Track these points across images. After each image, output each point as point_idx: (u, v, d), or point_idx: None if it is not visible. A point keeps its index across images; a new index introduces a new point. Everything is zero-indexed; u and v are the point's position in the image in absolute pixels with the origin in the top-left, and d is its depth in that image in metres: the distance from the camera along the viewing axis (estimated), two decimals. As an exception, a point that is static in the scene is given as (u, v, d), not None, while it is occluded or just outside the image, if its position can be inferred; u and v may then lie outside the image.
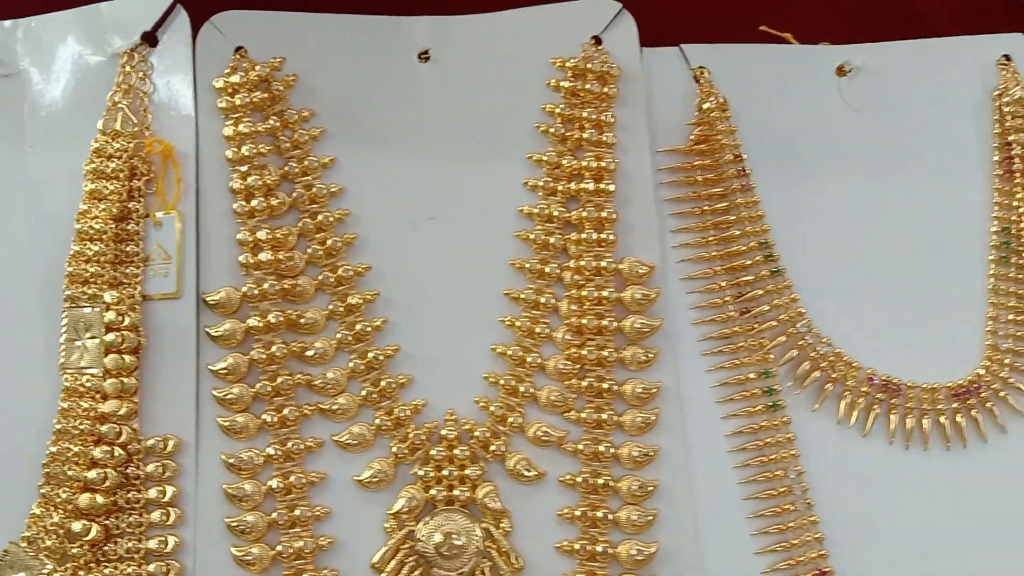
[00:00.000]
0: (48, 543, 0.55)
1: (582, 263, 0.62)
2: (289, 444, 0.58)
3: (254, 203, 0.61)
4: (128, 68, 0.63)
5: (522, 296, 0.62)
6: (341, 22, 0.65)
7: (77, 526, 0.56)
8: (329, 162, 0.63)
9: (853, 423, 0.62)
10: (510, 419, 0.60)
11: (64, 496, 0.56)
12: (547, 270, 0.62)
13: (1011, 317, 0.65)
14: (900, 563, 0.60)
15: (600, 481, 0.59)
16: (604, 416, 0.60)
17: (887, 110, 0.68)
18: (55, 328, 0.59)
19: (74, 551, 0.55)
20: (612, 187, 0.63)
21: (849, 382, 0.62)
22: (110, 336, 0.58)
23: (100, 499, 0.56)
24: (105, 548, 0.56)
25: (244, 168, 0.62)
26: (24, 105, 0.63)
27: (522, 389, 0.60)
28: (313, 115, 0.64)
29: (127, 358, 0.58)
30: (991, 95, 0.68)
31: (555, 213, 0.63)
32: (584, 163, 0.63)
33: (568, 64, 0.64)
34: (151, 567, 0.56)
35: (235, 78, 0.62)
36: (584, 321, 0.61)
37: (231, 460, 0.58)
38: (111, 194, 0.61)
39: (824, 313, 0.64)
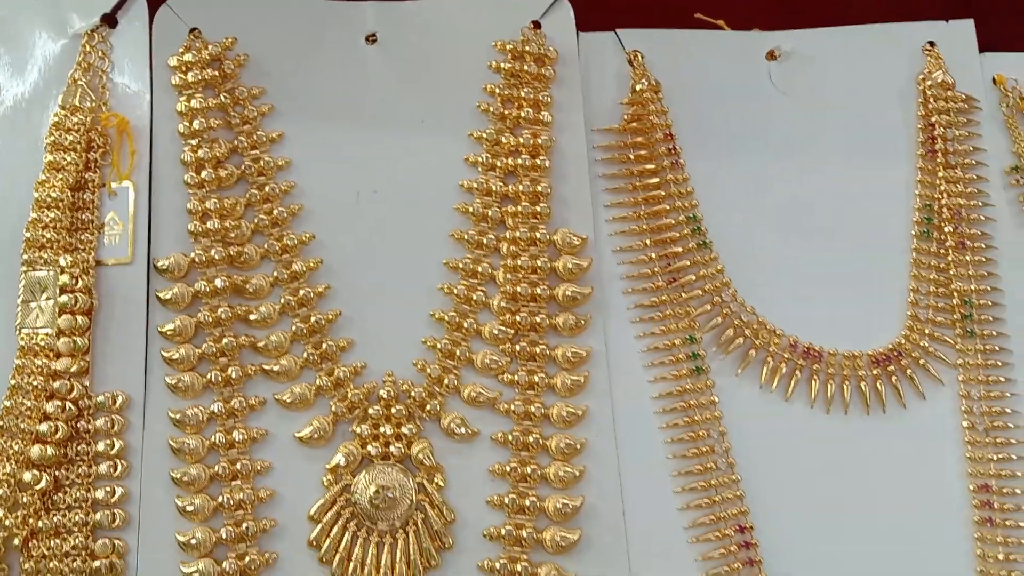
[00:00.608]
0: (-1, 492, 0.58)
1: (517, 234, 0.65)
2: (233, 402, 0.61)
3: (204, 174, 0.64)
4: (88, 48, 0.67)
5: (460, 265, 0.65)
6: (293, 5, 0.68)
7: (28, 476, 0.58)
8: (277, 137, 0.66)
9: (775, 388, 0.64)
10: (446, 380, 0.63)
11: (16, 448, 0.59)
12: (485, 241, 0.65)
13: (931, 289, 0.67)
14: (818, 522, 0.62)
15: (530, 439, 0.62)
16: (536, 378, 0.63)
17: (815, 93, 0.71)
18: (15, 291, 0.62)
19: (24, 499, 0.58)
20: (547, 163, 0.66)
21: (772, 349, 0.65)
22: (64, 298, 0.61)
23: (51, 450, 0.59)
24: (55, 497, 0.59)
25: (195, 141, 0.65)
26: (-11, 83, 0.67)
27: (458, 352, 0.63)
28: (263, 93, 0.67)
29: (80, 319, 0.61)
30: (916, 79, 0.71)
31: (493, 187, 0.66)
32: (521, 140, 0.66)
33: (508, 47, 0.67)
34: (98, 516, 0.59)
35: (188, 56, 0.65)
36: (519, 289, 0.64)
37: (177, 416, 0.61)
38: (68, 165, 0.64)
39: (750, 285, 0.66)
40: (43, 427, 0.59)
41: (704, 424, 0.63)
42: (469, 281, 0.64)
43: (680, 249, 0.66)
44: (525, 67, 0.67)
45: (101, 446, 0.60)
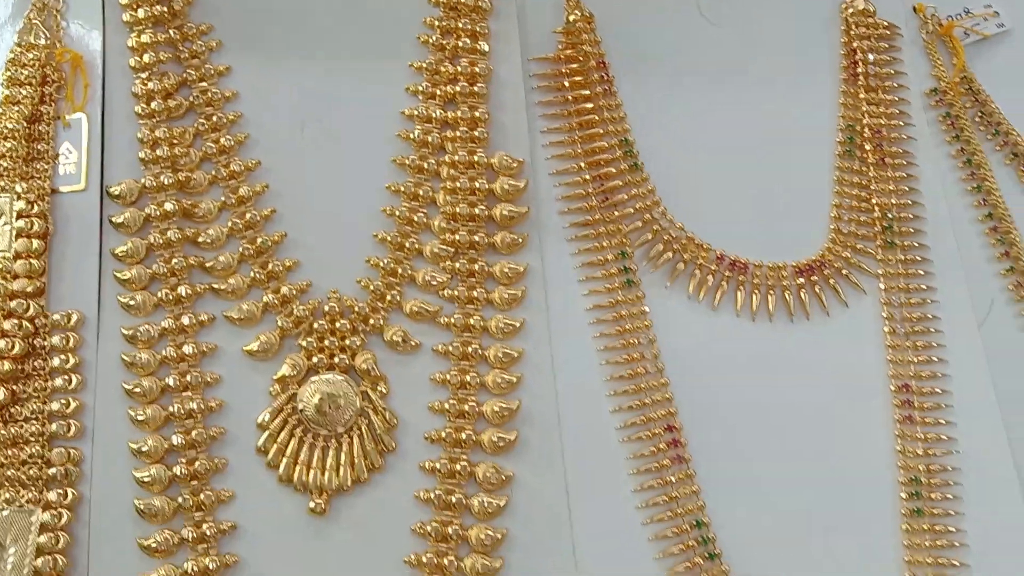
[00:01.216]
0: (-43, 406, 0.61)
1: (456, 157, 0.68)
2: (183, 319, 0.64)
3: (154, 105, 0.67)
4: (42, -12, 0.70)
5: (402, 188, 0.68)
6: (238, -58, 0.71)
7: (-15, 389, 0.61)
8: (224, 70, 0.69)
9: (702, 298, 0.67)
10: (388, 296, 0.65)
11: (-26, 364, 0.62)
12: (426, 166, 0.68)
13: (854, 204, 0.70)
14: (745, 421, 0.65)
15: (470, 349, 0.64)
16: (475, 293, 0.66)
17: (743, 22, 0.74)
18: (-27, 219, 0.65)
19: (-19, 412, 0.61)
20: (485, 90, 0.69)
21: (700, 262, 0.68)
22: (20, 223, 0.64)
23: (7, 365, 0.62)
24: (11, 410, 0.62)
25: (145, 75, 0.68)
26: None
27: (400, 271, 0.66)
28: (211, 29, 0.70)
29: (35, 242, 0.64)
30: (839, 7, 0.74)
31: (433, 114, 0.69)
32: (460, 68, 0.69)
33: (447, -20, 0.71)
34: (53, 426, 0.61)
35: (138, -7, 0.69)
36: (458, 209, 0.67)
37: (129, 332, 0.63)
38: (24, 98, 0.67)
39: (680, 203, 0.69)
40: (0, 344, 0.62)
41: (635, 333, 0.66)
42: (411, 204, 0.67)
43: (613, 170, 0.69)
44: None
45: (56, 361, 0.63)
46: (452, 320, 0.65)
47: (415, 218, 0.67)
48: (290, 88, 0.69)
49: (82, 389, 0.63)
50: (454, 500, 0.61)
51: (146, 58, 0.68)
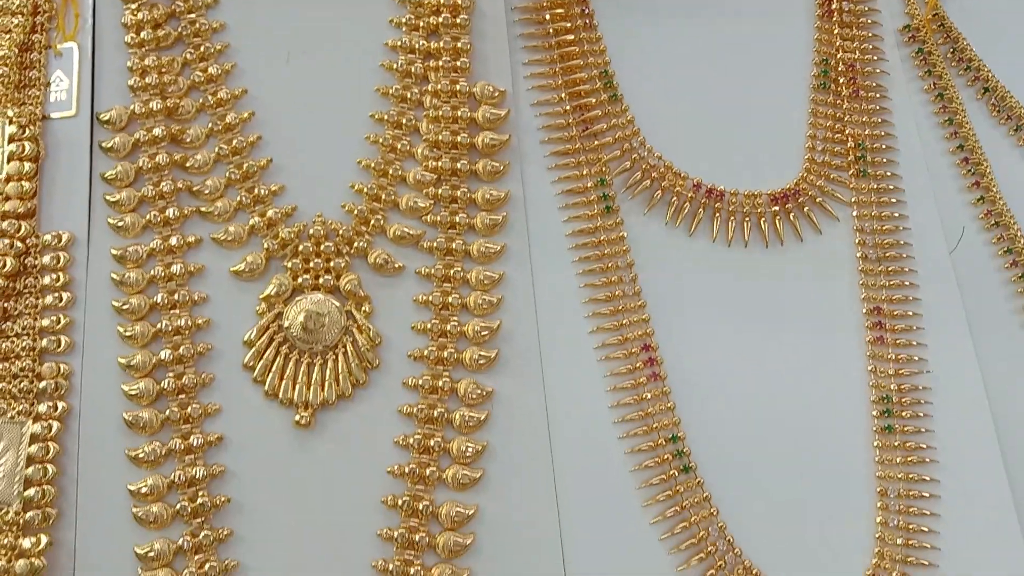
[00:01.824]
0: (-49, 320, 0.62)
1: (439, 86, 0.69)
2: (171, 240, 0.65)
3: (143, 34, 0.68)
4: (33, -78, 0.71)
5: (386, 117, 0.69)
6: None
7: (-23, 306, 0.63)
8: (212, 2, 0.70)
9: (679, 225, 0.69)
10: (372, 221, 0.67)
11: (-33, 281, 0.63)
12: (409, 95, 0.69)
13: (828, 135, 0.72)
14: (719, 342, 0.66)
15: (452, 272, 0.66)
16: (457, 219, 0.67)
17: (721, -38, 0.75)
18: (-34, 145, 0.66)
19: (-26, 327, 0.62)
20: (468, 21, 0.70)
21: (677, 190, 0.69)
22: (12, 146, 0.65)
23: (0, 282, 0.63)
24: (3, 326, 0.63)
25: (135, 5, 0.69)
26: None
27: (384, 196, 0.68)
28: (199, -37, 0.71)
29: (27, 165, 0.65)
30: (815, -54, 0.76)
31: (417, 45, 0.70)
32: (443, 0, 0.71)
33: (430, -85, 0.72)
34: (44, 341, 0.63)
35: (127, -74, 0.70)
36: (441, 137, 0.68)
37: (118, 252, 0.65)
38: (16, 27, 0.68)
39: (658, 133, 0.71)
40: (-8, 262, 0.63)
41: (613, 257, 0.68)
42: (394, 132, 0.69)
43: (593, 101, 0.71)
44: (446, -67, 0.72)
45: (47, 279, 0.64)
46: (435, 244, 0.67)
47: (398, 146, 0.69)
48: (276, 19, 0.71)
49: (72, 306, 0.64)
50: (436, 414, 0.63)
51: (135, -11, 0.69)
